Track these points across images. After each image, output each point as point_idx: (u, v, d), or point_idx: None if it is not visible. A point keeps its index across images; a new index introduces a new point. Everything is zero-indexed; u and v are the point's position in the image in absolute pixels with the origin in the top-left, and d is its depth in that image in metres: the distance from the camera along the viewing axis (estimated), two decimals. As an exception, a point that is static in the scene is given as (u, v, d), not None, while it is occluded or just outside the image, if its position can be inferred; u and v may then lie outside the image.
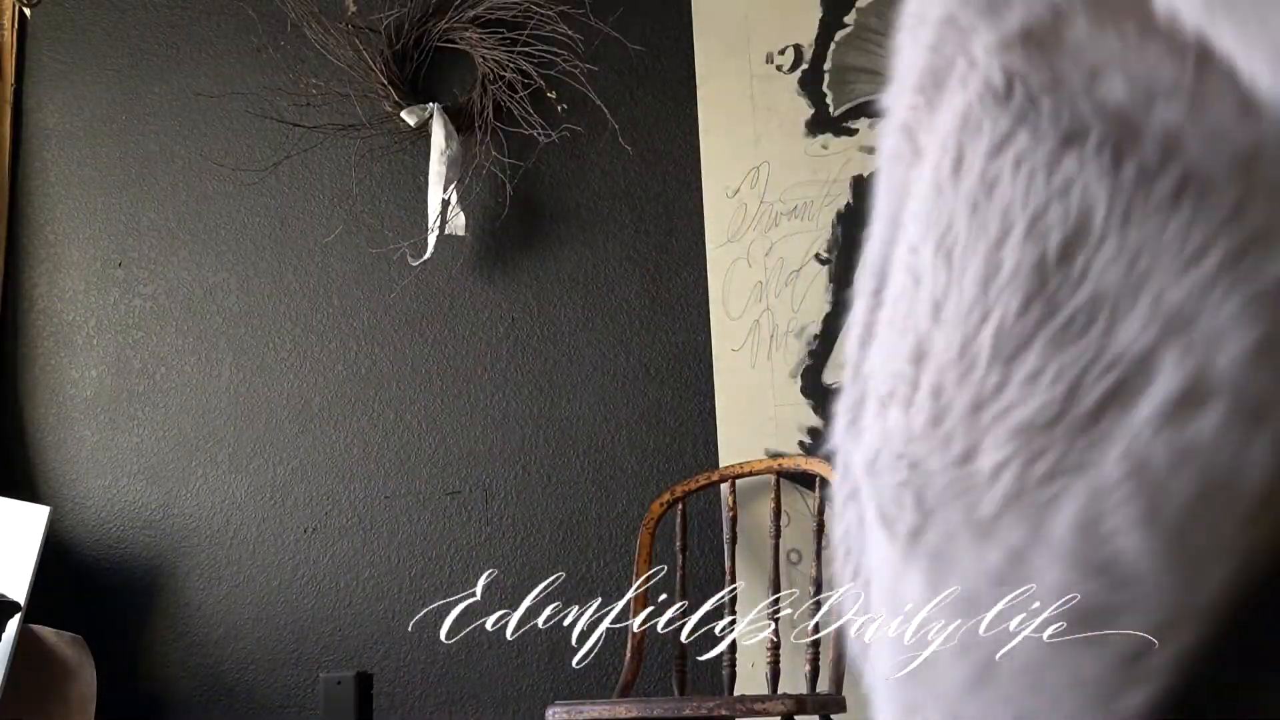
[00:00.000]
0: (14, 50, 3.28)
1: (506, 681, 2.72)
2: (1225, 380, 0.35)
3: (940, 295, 0.40)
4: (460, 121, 2.95)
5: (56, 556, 2.91)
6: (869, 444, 0.43)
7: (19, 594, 2.61)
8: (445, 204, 2.87)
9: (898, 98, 0.46)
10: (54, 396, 3.09)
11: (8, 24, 3.28)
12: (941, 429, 0.39)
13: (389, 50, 2.99)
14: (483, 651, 2.74)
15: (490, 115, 2.92)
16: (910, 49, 0.45)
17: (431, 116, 2.93)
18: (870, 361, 0.46)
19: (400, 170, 3.02)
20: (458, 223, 2.88)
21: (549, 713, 2.13)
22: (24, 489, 2.99)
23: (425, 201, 2.95)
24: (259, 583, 2.89)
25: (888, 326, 0.44)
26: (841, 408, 0.47)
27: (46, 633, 2.72)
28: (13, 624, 2.53)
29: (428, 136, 2.95)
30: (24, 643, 2.63)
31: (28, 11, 3.26)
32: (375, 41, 3.01)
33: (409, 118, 2.94)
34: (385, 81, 2.97)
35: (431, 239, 2.87)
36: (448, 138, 2.90)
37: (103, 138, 3.22)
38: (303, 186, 3.07)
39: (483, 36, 2.95)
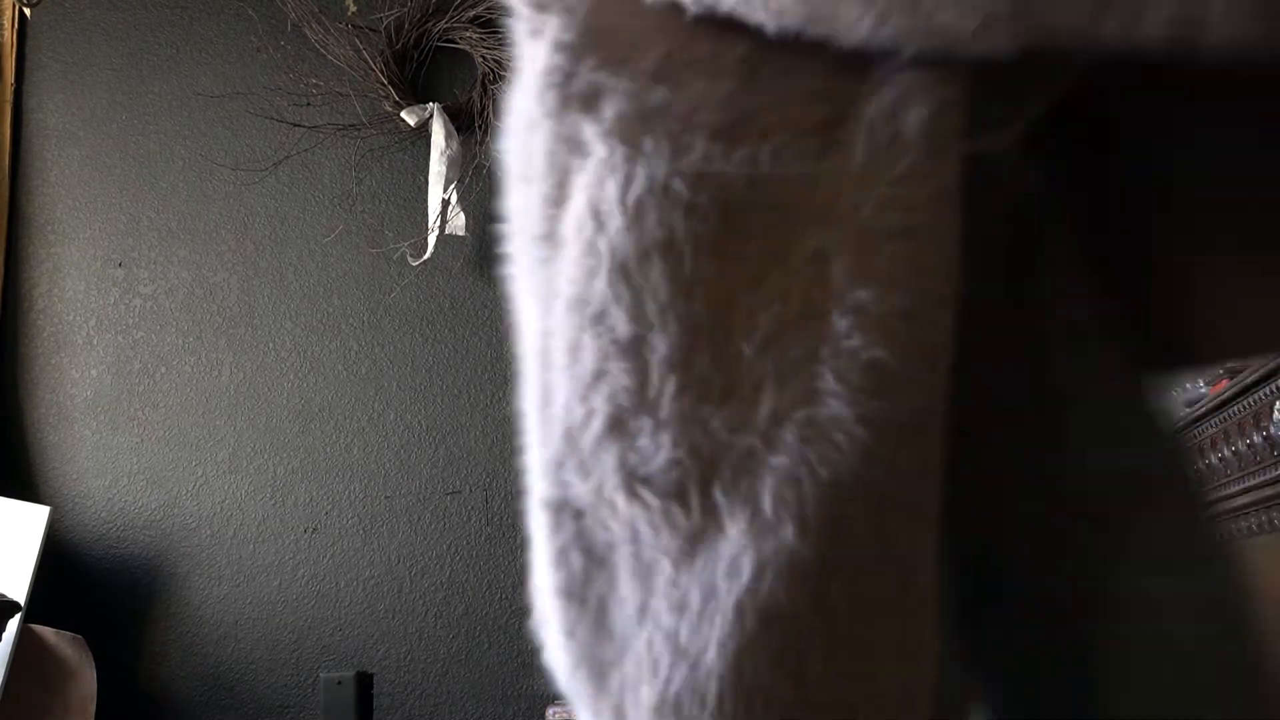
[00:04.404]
0: (14, 50, 3.28)
1: (506, 681, 2.71)
2: None
3: None
4: (460, 121, 2.95)
5: (56, 556, 2.91)
6: None
7: (19, 594, 2.61)
8: (445, 204, 2.87)
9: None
10: (54, 396, 3.09)
11: (8, 24, 3.28)
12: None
13: (389, 50, 2.99)
14: (483, 651, 2.74)
15: (490, 115, 2.92)
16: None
17: (431, 116, 2.93)
18: None
19: (400, 170, 3.02)
20: (458, 223, 2.88)
21: (549, 713, 2.13)
22: (24, 489, 2.99)
23: (425, 201, 2.95)
24: (259, 583, 2.89)
25: None
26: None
27: (46, 633, 2.72)
28: (13, 624, 2.53)
29: (428, 136, 2.95)
30: (24, 643, 2.63)
31: (28, 11, 3.26)
32: (375, 41, 3.01)
33: (409, 118, 2.94)
34: (385, 81, 2.97)
35: (431, 239, 2.87)
36: (448, 137, 2.90)
37: (103, 138, 3.21)
38: (303, 186, 3.07)
39: (483, 36, 2.95)
